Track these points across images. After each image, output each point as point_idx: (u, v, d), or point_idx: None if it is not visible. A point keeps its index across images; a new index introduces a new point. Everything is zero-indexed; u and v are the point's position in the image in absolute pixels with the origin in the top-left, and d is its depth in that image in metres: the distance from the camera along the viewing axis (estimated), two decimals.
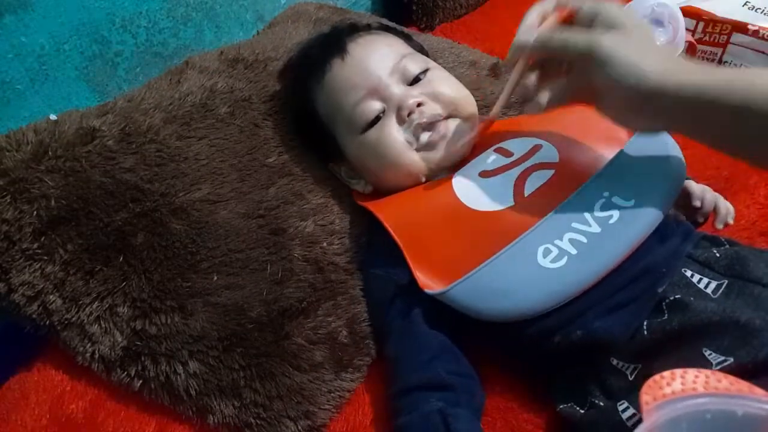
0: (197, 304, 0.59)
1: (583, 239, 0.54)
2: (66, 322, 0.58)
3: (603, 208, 0.56)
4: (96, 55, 0.75)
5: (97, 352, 0.58)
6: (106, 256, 0.59)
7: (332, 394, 0.60)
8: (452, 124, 0.64)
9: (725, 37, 0.93)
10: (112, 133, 0.64)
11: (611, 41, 0.50)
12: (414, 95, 0.63)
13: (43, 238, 0.58)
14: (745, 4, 0.95)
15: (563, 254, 0.54)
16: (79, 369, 0.60)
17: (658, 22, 0.85)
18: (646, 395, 0.37)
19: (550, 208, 0.57)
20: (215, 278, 0.60)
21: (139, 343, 0.58)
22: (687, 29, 0.89)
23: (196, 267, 0.60)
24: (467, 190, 0.61)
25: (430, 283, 0.57)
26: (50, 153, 0.61)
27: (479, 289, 0.55)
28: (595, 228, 0.55)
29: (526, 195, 0.59)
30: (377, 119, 0.64)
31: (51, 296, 0.58)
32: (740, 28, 0.91)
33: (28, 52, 0.68)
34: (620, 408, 0.50)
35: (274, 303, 0.60)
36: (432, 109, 0.63)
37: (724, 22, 0.92)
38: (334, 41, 0.68)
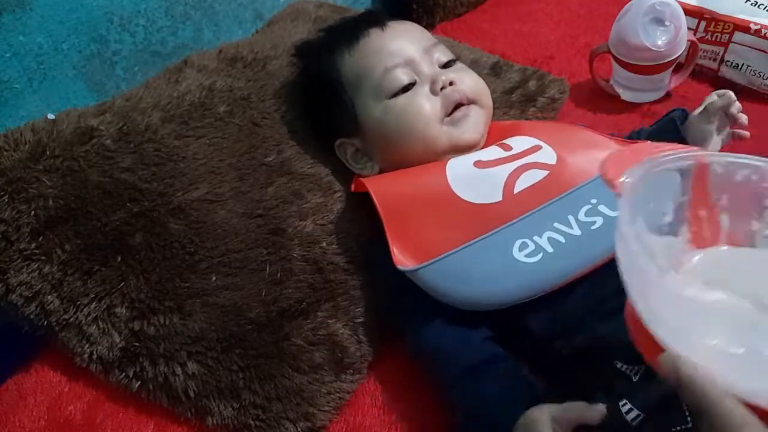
0: (195, 304, 0.59)
1: (562, 239, 0.55)
2: (64, 322, 0.58)
3: (588, 214, 0.57)
4: (94, 54, 0.75)
5: (95, 352, 0.58)
6: (104, 256, 0.59)
7: (332, 396, 0.59)
8: (475, 110, 0.67)
9: (727, 36, 0.93)
10: (110, 133, 0.63)
11: None
12: (447, 74, 0.66)
13: (40, 238, 0.58)
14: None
15: (539, 250, 0.55)
16: (77, 370, 0.60)
17: (659, 21, 0.84)
18: (610, 173, 0.38)
19: (535, 206, 0.58)
20: (214, 278, 0.60)
21: (137, 344, 0.58)
22: (689, 28, 0.88)
23: (195, 267, 0.60)
24: (459, 178, 0.62)
25: (403, 260, 0.57)
26: (48, 152, 0.60)
27: (449, 272, 0.55)
28: (576, 231, 0.56)
29: (515, 192, 0.60)
30: (407, 88, 0.66)
31: (49, 297, 0.58)
32: (742, 27, 0.91)
33: (27, 52, 0.68)
34: (624, 409, 0.50)
35: (273, 303, 0.60)
36: (462, 90, 0.66)
37: (726, 21, 0.92)
38: (373, 18, 0.71)
